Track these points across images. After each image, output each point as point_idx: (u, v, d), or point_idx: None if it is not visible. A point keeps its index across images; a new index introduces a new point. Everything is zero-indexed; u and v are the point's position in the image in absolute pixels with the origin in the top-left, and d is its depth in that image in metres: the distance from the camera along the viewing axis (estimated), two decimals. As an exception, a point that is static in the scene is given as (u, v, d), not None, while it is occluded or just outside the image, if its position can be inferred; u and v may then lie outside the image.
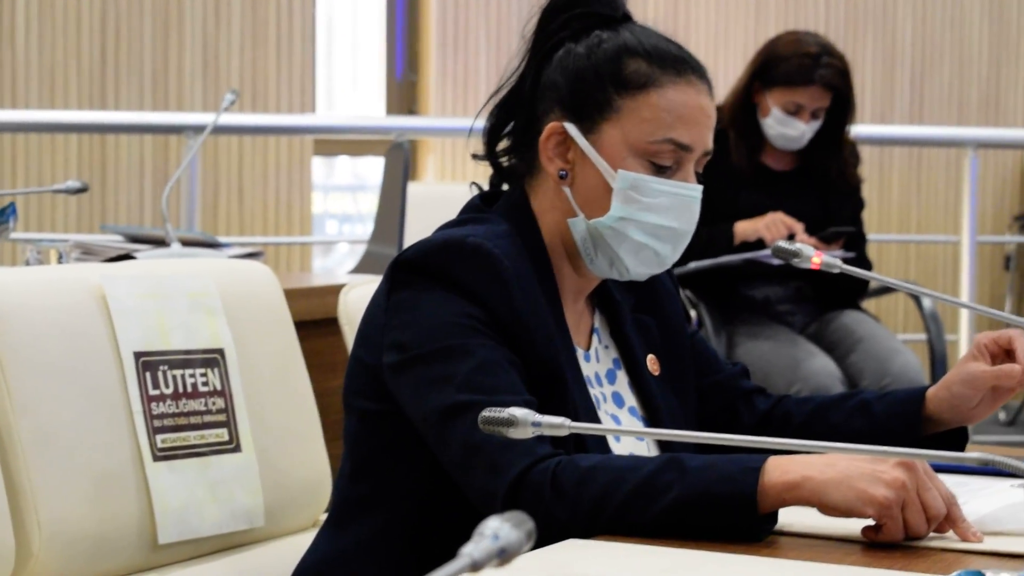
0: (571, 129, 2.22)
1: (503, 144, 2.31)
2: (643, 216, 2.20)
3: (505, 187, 2.33)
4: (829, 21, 8.00)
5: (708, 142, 2.23)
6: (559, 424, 1.83)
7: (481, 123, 2.32)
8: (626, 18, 2.28)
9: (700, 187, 2.23)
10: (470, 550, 1.11)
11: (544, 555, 1.83)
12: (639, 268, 2.24)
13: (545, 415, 1.84)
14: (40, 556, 2.20)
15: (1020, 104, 8.27)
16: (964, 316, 6.52)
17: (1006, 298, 8.14)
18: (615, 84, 2.20)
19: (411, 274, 2.18)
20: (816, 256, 2.30)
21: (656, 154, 2.19)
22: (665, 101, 2.19)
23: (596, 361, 2.30)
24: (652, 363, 2.34)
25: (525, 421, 1.82)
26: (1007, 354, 2.31)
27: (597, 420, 2.21)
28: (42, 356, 2.24)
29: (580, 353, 2.27)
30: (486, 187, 2.35)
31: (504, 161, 2.32)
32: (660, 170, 2.20)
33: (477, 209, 2.29)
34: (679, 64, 2.21)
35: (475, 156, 2.34)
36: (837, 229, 4.98)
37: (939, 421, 2.35)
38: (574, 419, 2.05)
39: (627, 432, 2.24)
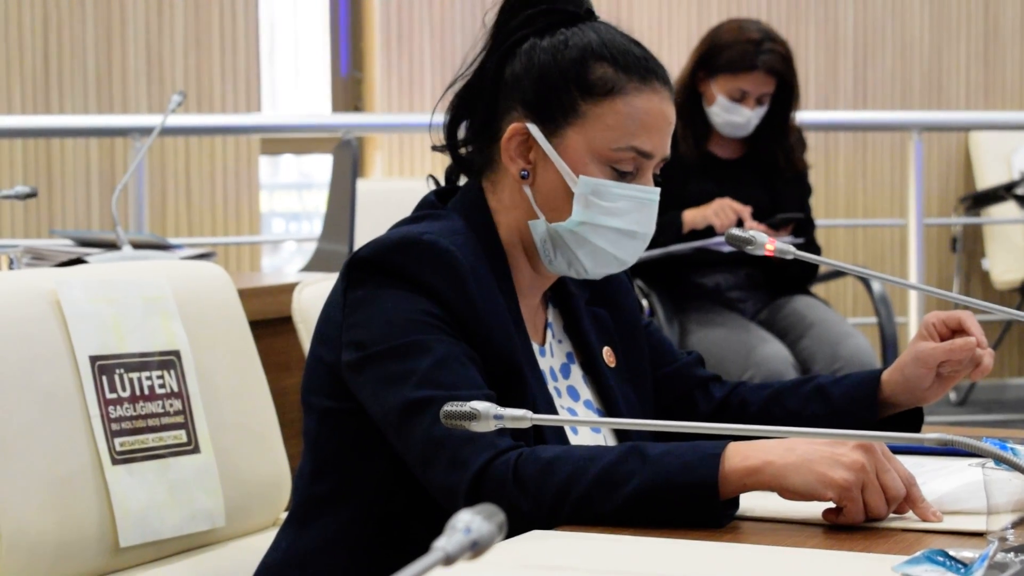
0: (534, 131, 2.22)
1: (462, 136, 2.31)
2: (603, 220, 2.20)
3: (462, 181, 2.33)
4: (771, 9, 8.03)
5: (667, 148, 2.23)
6: (521, 416, 1.83)
7: (440, 115, 2.32)
8: (589, 14, 2.28)
9: (658, 190, 2.23)
10: (443, 543, 1.11)
11: (509, 546, 1.84)
12: (597, 269, 2.25)
13: (507, 409, 1.85)
14: (2, 562, 2.19)
15: (962, 87, 8.32)
16: (913, 298, 6.55)
17: (954, 279, 8.18)
18: (580, 89, 2.20)
19: (368, 272, 2.18)
20: (769, 243, 2.31)
21: (618, 161, 2.20)
22: (630, 108, 2.19)
23: (551, 356, 2.31)
24: (608, 355, 2.35)
25: (487, 415, 1.82)
26: (955, 334, 2.33)
27: (555, 411, 2.22)
28: (-2, 362, 2.24)
29: (536, 348, 2.27)
30: (442, 180, 2.35)
31: (463, 153, 2.32)
32: (621, 175, 2.21)
33: (432, 206, 2.29)
34: (644, 70, 2.21)
35: (435, 148, 2.34)
36: (786, 215, 5.00)
37: (894, 403, 2.37)
38: (533, 412, 2.06)
39: (589, 423, 2.24)
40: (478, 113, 2.27)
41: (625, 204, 2.21)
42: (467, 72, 2.28)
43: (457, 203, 2.27)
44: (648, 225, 2.24)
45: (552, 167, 2.21)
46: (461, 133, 2.31)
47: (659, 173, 2.25)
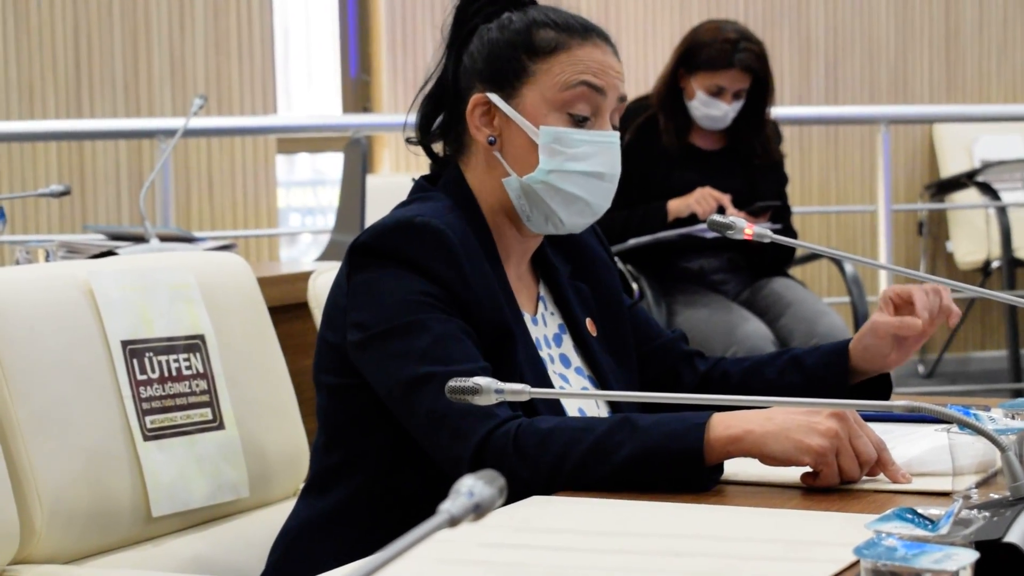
0: (493, 98, 2.23)
1: (434, 131, 2.32)
2: (570, 165, 2.21)
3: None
4: (748, 12, 8.01)
5: (620, 88, 2.25)
6: (520, 390, 1.83)
7: (413, 116, 2.33)
8: (533, 2, 2.30)
9: (617, 133, 2.25)
10: (448, 506, 1.11)
11: (510, 511, 1.84)
12: (573, 219, 2.25)
13: (506, 383, 1.85)
14: (43, 533, 2.19)
15: (925, 82, 8.31)
16: (883, 278, 6.55)
17: (920, 261, 8.18)
18: (527, 52, 2.23)
19: (367, 256, 2.18)
20: (748, 227, 2.31)
21: (572, 103, 2.21)
22: (574, 58, 2.22)
23: (544, 325, 2.31)
24: (590, 325, 2.35)
25: (489, 389, 1.83)
26: (911, 306, 2.34)
27: (546, 376, 2.22)
28: (37, 348, 2.24)
29: (528, 318, 2.28)
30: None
31: (437, 145, 2.33)
32: (579, 122, 2.21)
33: (423, 189, 2.30)
34: (585, 30, 2.24)
35: (408, 140, 2.35)
36: (764, 203, 5.00)
37: (861, 371, 2.37)
38: (522, 377, 2.07)
39: (585, 395, 2.25)
40: (445, 104, 2.28)
41: (588, 148, 2.22)
42: (435, 72, 2.30)
43: (442, 185, 2.29)
44: (613, 167, 2.24)
45: (516, 127, 2.22)
46: (436, 129, 2.32)
47: (617, 126, 2.25)
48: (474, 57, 2.26)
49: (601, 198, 2.25)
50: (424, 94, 2.31)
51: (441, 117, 2.31)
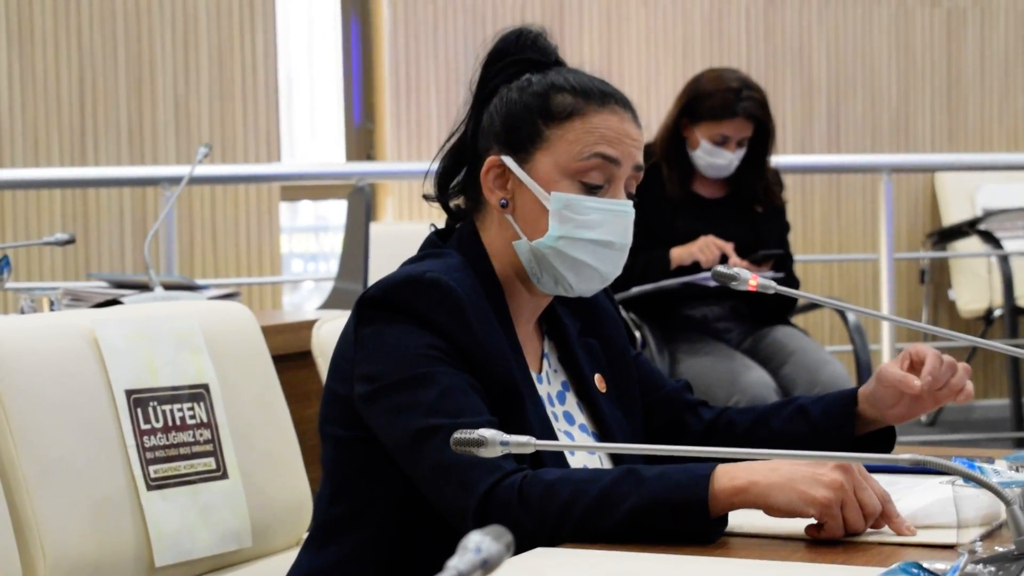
0: (508, 161, 2.23)
1: (453, 187, 2.32)
2: (579, 233, 2.21)
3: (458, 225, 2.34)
4: (751, 60, 8.04)
5: (636, 158, 2.24)
6: (525, 442, 1.83)
7: (434, 168, 2.34)
8: (558, 63, 2.30)
9: (630, 203, 2.24)
10: (455, 563, 1.11)
11: (515, 563, 1.83)
12: (582, 285, 2.25)
13: (511, 435, 1.84)
14: (46, 582, 2.19)
15: (928, 131, 8.32)
16: (885, 327, 6.55)
17: (923, 309, 8.17)
18: (544, 116, 2.22)
19: (376, 310, 2.18)
20: (752, 279, 2.31)
21: (586, 172, 2.21)
22: (590, 125, 2.21)
23: (548, 383, 2.31)
24: (599, 382, 2.34)
25: (494, 441, 1.82)
26: (923, 366, 2.32)
27: (554, 434, 2.22)
28: (41, 396, 2.24)
29: (533, 375, 2.27)
30: (442, 226, 2.36)
31: (454, 201, 2.33)
32: (592, 190, 2.21)
33: (434, 245, 2.30)
34: (603, 96, 2.23)
35: (426, 197, 2.36)
36: (767, 252, 5.00)
37: (867, 418, 2.36)
38: (531, 434, 2.07)
39: (589, 447, 2.25)
40: (465, 162, 2.29)
41: (598, 216, 2.21)
42: (458, 129, 2.30)
43: (455, 241, 2.29)
44: (624, 236, 2.24)
45: (528, 192, 2.22)
46: (454, 184, 2.32)
47: (633, 193, 2.25)
48: (493, 118, 2.26)
49: (610, 266, 2.24)
50: (446, 148, 2.32)
51: (462, 173, 2.31)
